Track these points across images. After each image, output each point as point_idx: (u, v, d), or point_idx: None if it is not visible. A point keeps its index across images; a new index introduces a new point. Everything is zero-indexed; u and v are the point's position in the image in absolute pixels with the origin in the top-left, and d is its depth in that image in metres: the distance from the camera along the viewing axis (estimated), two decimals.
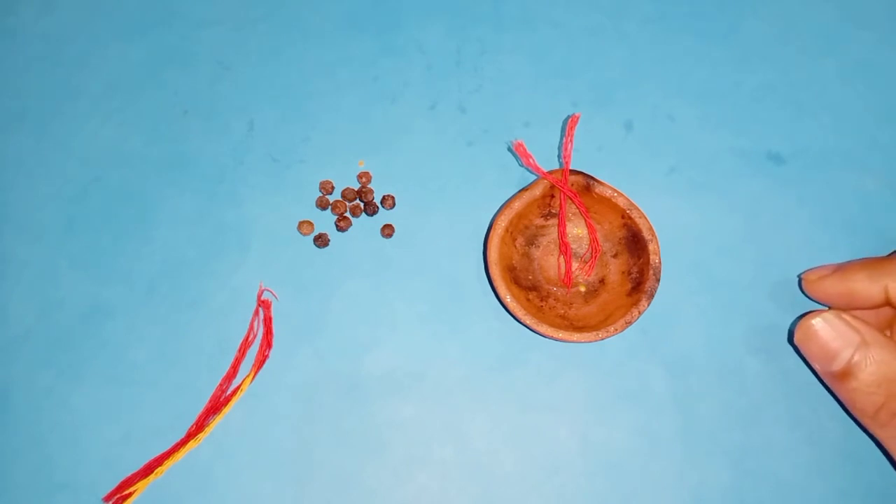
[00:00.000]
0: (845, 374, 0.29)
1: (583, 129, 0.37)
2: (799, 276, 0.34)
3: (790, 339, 0.34)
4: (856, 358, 0.28)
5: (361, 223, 0.36)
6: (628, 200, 0.33)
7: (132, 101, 0.38)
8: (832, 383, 0.30)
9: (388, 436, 0.33)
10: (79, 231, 0.36)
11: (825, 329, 0.29)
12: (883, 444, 0.29)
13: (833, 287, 0.31)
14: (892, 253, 0.33)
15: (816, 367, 0.30)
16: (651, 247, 0.32)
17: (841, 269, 0.32)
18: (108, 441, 0.33)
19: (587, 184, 0.33)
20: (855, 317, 0.29)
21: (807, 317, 0.30)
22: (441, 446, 0.33)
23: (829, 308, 0.32)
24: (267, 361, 0.34)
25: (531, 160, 0.32)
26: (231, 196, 0.36)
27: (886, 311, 0.31)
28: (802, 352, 0.30)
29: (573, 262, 0.34)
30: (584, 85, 0.38)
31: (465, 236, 0.35)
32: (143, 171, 0.37)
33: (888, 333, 0.32)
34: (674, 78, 0.38)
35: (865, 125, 0.37)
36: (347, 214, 0.36)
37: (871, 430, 0.29)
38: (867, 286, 0.30)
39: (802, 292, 0.34)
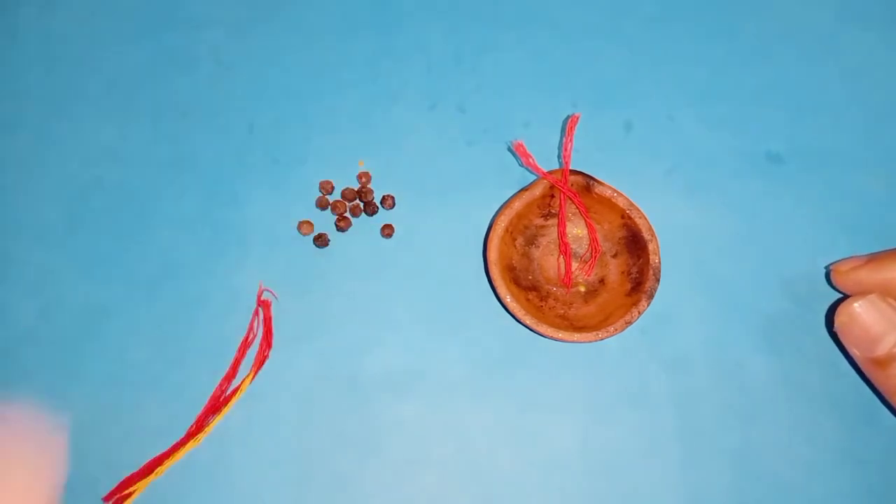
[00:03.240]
0: (889, 359, 0.28)
1: (583, 129, 0.37)
2: (826, 267, 0.34)
3: (828, 326, 0.33)
4: None
5: (361, 223, 0.36)
6: (628, 200, 0.33)
7: (132, 101, 0.38)
8: (871, 370, 0.29)
9: (388, 436, 0.33)
10: (79, 231, 0.36)
11: (869, 312, 0.28)
12: None
13: (867, 277, 0.30)
14: None
15: (856, 352, 0.29)
16: (651, 247, 0.32)
17: (875, 258, 0.31)
18: (108, 441, 0.33)
19: (587, 184, 0.33)
20: None
21: (848, 300, 0.29)
22: (441, 446, 0.33)
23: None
24: (267, 361, 0.34)
25: (531, 160, 0.32)
26: (231, 196, 0.36)
27: None
28: (842, 337, 0.30)
29: (573, 262, 0.34)
30: (584, 85, 0.38)
31: (465, 236, 0.35)
32: (143, 171, 0.37)
33: None
34: (674, 78, 0.38)
35: (865, 125, 0.37)
36: (347, 214, 0.36)
37: None
38: None
39: (830, 284, 0.33)
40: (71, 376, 0.33)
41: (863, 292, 0.31)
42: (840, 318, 0.29)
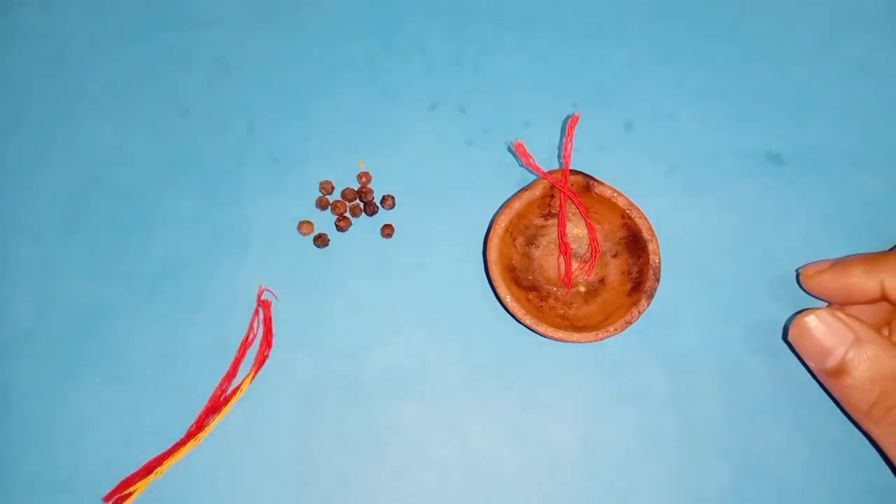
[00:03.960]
0: (839, 370, 0.29)
1: (583, 129, 0.37)
2: (797, 271, 0.34)
3: (784, 337, 0.34)
4: (849, 355, 0.29)
5: (361, 223, 0.36)
6: (628, 200, 0.33)
7: (132, 101, 0.38)
8: (826, 380, 0.30)
9: (388, 436, 0.33)
10: (79, 231, 0.36)
11: (819, 326, 0.29)
12: (877, 440, 0.29)
13: (830, 282, 0.32)
14: (892, 248, 0.33)
15: (811, 364, 0.30)
16: (651, 247, 0.32)
17: (838, 263, 0.32)
18: (108, 441, 0.33)
19: (587, 184, 0.33)
20: (849, 314, 0.29)
21: (801, 314, 0.30)
22: (441, 446, 0.33)
23: (825, 305, 0.32)
24: (267, 361, 0.34)
25: (531, 160, 0.32)
26: (231, 196, 0.36)
27: (883, 306, 0.32)
28: (796, 349, 0.31)
29: (573, 262, 0.34)
30: (584, 85, 0.38)
31: (465, 236, 0.35)
32: (143, 171, 0.37)
33: (886, 329, 0.32)
34: (674, 78, 0.38)
35: (865, 125, 0.37)
36: (347, 214, 0.36)
37: (865, 426, 0.29)
38: (864, 281, 0.30)
39: (800, 287, 0.34)
40: (71, 376, 0.33)
41: (825, 296, 0.32)
42: (793, 332, 0.30)
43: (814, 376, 0.33)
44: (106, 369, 0.34)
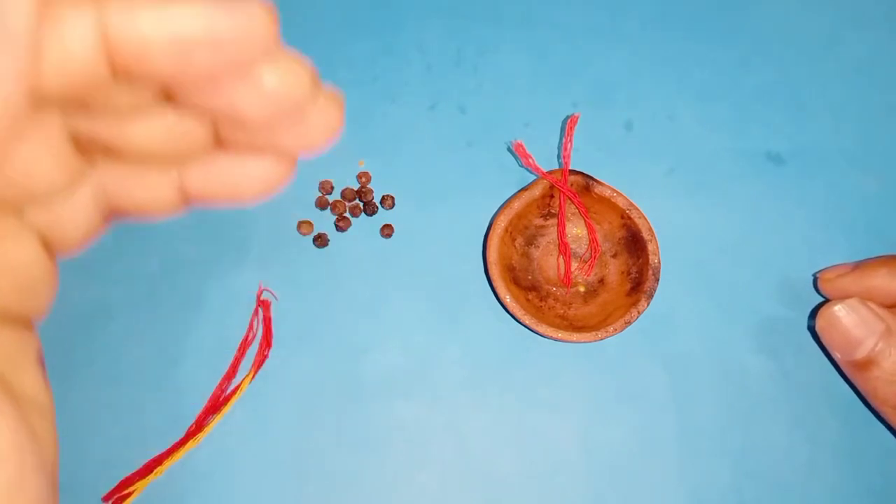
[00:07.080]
0: (868, 362, 0.28)
1: (583, 129, 0.37)
2: (814, 274, 0.34)
3: (810, 328, 0.33)
4: (879, 346, 0.28)
5: (361, 223, 0.36)
6: (628, 200, 0.33)
7: None
8: (853, 372, 0.29)
9: (388, 436, 0.33)
10: None
11: (849, 316, 0.29)
12: None
13: (852, 285, 0.31)
14: None
15: (837, 355, 0.30)
16: (650, 247, 0.32)
17: (860, 266, 0.31)
18: (108, 441, 0.33)
19: (587, 184, 0.33)
20: (879, 305, 0.29)
21: (829, 304, 0.29)
22: (441, 446, 0.33)
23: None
24: (267, 361, 0.34)
25: (531, 160, 0.32)
26: None
27: None
28: (823, 340, 0.30)
29: (573, 262, 0.34)
30: (584, 85, 0.38)
31: (465, 236, 0.35)
32: None
33: None
34: (674, 78, 0.38)
35: (865, 125, 0.37)
36: (347, 214, 0.36)
37: (892, 421, 0.29)
38: (888, 283, 0.30)
39: (817, 291, 0.33)
40: (71, 376, 0.33)
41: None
42: (820, 323, 0.30)
43: (837, 369, 0.33)
44: (106, 369, 0.34)
